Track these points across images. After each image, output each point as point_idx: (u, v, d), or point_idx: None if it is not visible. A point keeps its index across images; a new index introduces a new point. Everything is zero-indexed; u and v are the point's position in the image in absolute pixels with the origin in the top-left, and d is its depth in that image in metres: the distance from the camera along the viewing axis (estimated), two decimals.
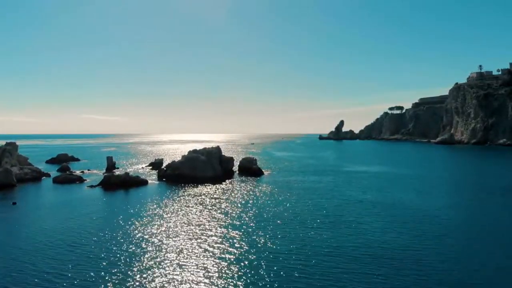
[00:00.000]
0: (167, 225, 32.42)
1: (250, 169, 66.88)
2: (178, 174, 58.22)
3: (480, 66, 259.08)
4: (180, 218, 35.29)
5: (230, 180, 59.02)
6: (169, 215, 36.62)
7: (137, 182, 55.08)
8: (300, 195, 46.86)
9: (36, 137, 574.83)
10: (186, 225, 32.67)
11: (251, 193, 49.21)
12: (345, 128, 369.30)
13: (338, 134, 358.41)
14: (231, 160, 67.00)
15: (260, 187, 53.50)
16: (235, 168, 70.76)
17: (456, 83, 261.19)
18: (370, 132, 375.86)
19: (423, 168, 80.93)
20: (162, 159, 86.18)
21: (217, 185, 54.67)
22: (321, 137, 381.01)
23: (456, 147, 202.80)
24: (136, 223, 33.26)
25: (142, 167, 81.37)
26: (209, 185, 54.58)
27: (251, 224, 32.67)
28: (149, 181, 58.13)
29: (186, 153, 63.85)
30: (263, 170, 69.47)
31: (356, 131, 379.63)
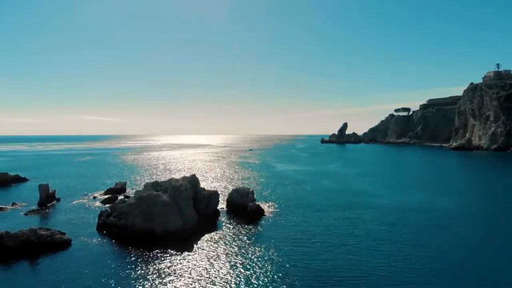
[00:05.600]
0: None
1: (243, 208, 44.78)
2: (124, 226, 36.17)
3: (498, 64, 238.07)
4: None
5: (209, 235, 36.77)
6: None
7: (51, 244, 33.08)
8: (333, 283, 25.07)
9: (23, 139, 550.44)
10: None
11: (244, 267, 27.38)
12: (347, 130, 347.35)
13: (342, 137, 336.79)
14: (213, 195, 44.19)
15: (260, 253, 31.64)
16: (222, 204, 48.60)
17: (471, 83, 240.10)
18: (375, 135, 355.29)
19: (487, 198, 59.54)
20: (124, 184, 64.15)
21: (185, 250, 32.75)
22: (323, 140, 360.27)
23: (475, 154, 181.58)
24: None
25: (95, 196, 59.19)
26: (172, 249, 32.72)
27: None
28: (78, 239, 35.95)
29: (142, 187, 41.87)
30: (262, 207, 47.09)
31: (358, 132, 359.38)
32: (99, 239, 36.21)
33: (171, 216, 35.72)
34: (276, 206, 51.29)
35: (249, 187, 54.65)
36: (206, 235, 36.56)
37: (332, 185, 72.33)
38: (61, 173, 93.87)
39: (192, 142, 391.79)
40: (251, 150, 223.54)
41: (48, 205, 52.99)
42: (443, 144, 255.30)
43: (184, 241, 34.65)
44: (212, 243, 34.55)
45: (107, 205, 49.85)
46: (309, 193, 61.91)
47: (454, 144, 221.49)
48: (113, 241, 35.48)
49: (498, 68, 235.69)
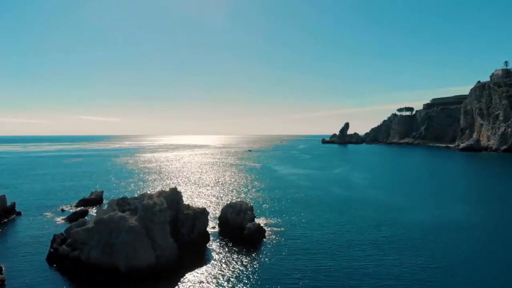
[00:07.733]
0: None
1: (240, 229, 35.65)
2: (78, 260, 27.08)
3: (506, 62, 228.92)
4: None
5: (192, 274, 27.47)
6: None
7: None
8: None
9: (20, 139, 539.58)
10: None
11: None
12: (348, 130, 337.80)
13: (343, 138, 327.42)
14: (200, 215, 34.31)
15: None
16: (213, 222, 39.40)
17: (479, 81, 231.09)
18: (377, 135, 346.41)
19: None
20: (101, 194, 54.99)
21: None
22: (324, 141, 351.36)
23: (486, 155, 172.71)
24: None
25: (64, 209, 49.86)
26: None
27: None
28: (17, 276, 26.73)
29: (107, 205, 32.75)
30: (263, 226, 37.85)
31: (359, 132, 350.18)
32: (45, 277, 26.99)
33: (140, 247, 26.57)
34: (279, 224, 41.73)
35: (247, 200, 45.48)
36: (187, 274, 27.20)
37: (343, 194, 62.53)
38: (38, 178, 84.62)
39: (190, 143, 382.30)
40: (251, 151, 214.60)
41: (5, 220, 43.88)
42: (449, 145, 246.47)
43: (157, 282, 25.53)
44: (195, 285, 25.38)
45: (73, 223, 40.69)
46: (318, 206, 52.04)
47: (462, 145, 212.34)
48: (63, 280, 26.32)
49: (506, 65, 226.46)
